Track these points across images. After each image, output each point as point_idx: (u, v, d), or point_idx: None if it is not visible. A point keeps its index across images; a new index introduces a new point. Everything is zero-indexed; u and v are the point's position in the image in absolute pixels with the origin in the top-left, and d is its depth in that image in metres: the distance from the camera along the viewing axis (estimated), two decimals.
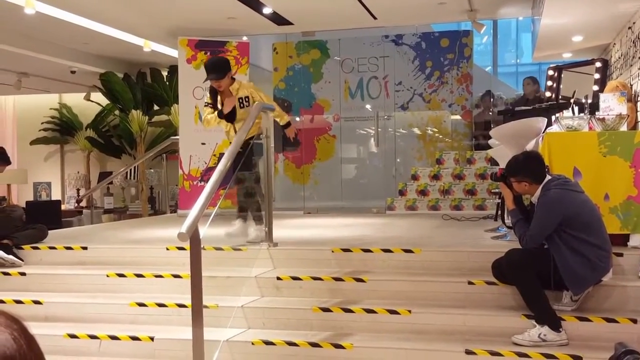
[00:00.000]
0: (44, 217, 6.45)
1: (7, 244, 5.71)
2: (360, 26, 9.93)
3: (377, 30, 10.40)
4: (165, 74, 12.02)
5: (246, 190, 6.12)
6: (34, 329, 1.09)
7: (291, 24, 9.57)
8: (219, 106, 5.93)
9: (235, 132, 5.82)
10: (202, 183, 9.09)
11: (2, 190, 12.57)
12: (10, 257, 5.63)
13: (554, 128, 5.38)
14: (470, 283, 4.66)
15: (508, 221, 5.34)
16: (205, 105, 6.04)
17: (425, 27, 10.96)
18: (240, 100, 5.89)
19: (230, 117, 5.92)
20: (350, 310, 4.57)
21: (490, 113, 10.39)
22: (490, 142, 6.91)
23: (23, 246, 5.85)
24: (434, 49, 10.50)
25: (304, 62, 11.01)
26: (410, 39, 10.58)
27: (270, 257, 5.37)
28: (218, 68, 5.83)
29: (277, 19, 9.26)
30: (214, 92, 5.97)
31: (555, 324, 4.11)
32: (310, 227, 7.42)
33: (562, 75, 8.25)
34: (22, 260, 5.71)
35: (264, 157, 5.75)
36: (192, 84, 9.41)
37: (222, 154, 6.02)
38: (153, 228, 7.75)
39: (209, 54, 9.42)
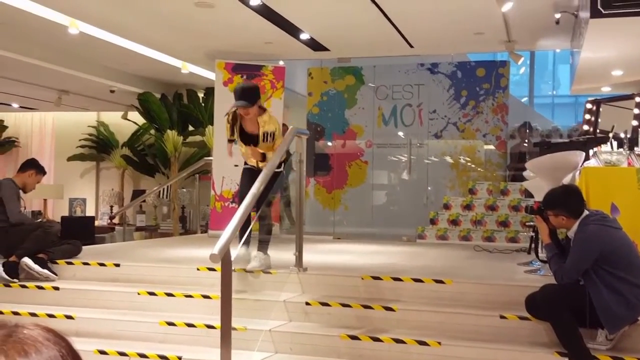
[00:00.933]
0: (78, 232, 6.52)
1: (42, 258, 5.79)
2: (396, 54, 9.96)
3: (413, 58, 10.41)
4: (201, 95, 12.17)
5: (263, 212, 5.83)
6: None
7: (327, 49, 9.64)
8: (236, 133, 5.76)
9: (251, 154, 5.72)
10: (234, 204, 9.14)
11: (39, 205, 12.79)
12: (45, 271, 5.70)
13: (592, 162, 5.32)
14: (502, 317, 4.59)
15: (542, 255, 5.26)
16: (229, 142, 5.90)
17: (461, 56, 10.96)
18: (265, 135, 5.62)
19: (249, 139, 5.71)
20: (379, 339, 4.54)
21: (526, 144, 10.31)
22: (525, 174, 6.85)
23: (57, 261, 5.92)
24: (470, 78, 10.47)
25: (339, 87, 11.06)
26: (446, 67, 10.58)
27: (300, 282, 5.36)
28: (248, 95, 5.53)
29: (314, 44, 9.33)
30: (233, 119, 5.74)
31: None
32: (340, 253, 7.40)
33: (601, 109, 8.17)
34: (56, 275, 5.78)
35: (296, 182, 5.76)
36: (228, 106, 9.44)
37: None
38: (184, 247, 7.79)
39: (245, 77, 9.52)
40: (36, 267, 5.65)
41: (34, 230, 5.95)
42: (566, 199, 4.29)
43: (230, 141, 5.88)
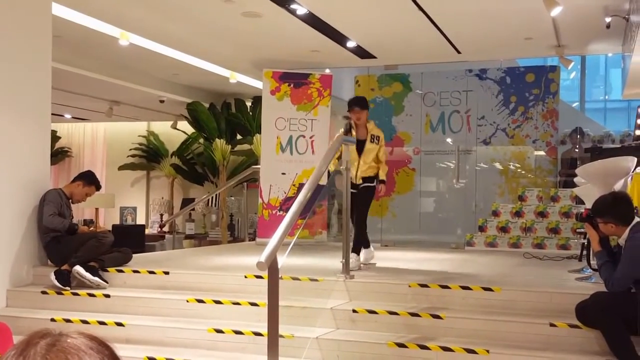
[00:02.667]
0: (128, 240, 6.62)
1: (94, 266, 5.90)
2: (443, 60, 9.91)
3: (461, 65, 10.33)
4: (249, 104, 12.29)
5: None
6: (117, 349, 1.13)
7: (374, 57, 9.64)
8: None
9: (358, 165, 6.55)
10: (281, 212, 9.19)
11: (90, 214, 13.06)
12: (96, 279, 5.81)
13: None
14: (552, 325, 4.51)
15: (594, 263, 5.16)
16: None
17: (510, 61, 10.83)
18: (372, 137, 6.61)
19: (359, 148, 6.53)
20: (426, 347, 4.50)
21: (577, 150, 10.12)
22: (576, 180, 6.73)
23: (108, 269, 6.03)
24: (519, 84, 10.34)
25: (386, 94, 11.03)
26: (495, 73, 10.46)
27: (347, 289, 5.36)
28: (362, 102, 6.73)
29: (361, 52, 9.34)
30: (349, 129, 6.52)
31: None
32: (387, 260, 7.36)
33: None
34: (107, 282, 5.89)
35: (344, 189, 5.78)
36: (275, 114, 9.57)
37: (301, 185, 6.12)
38: (232, 255, 7.86)
39: (292, 85, 9.58)
40: (88, 275, 5.76)
41: (88, 240, 6.06)
42: (614, 207, 4.21)
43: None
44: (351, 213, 6.22)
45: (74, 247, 5.97)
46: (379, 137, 6.68)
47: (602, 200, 4.32)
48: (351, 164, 6.27)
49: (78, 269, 5.76)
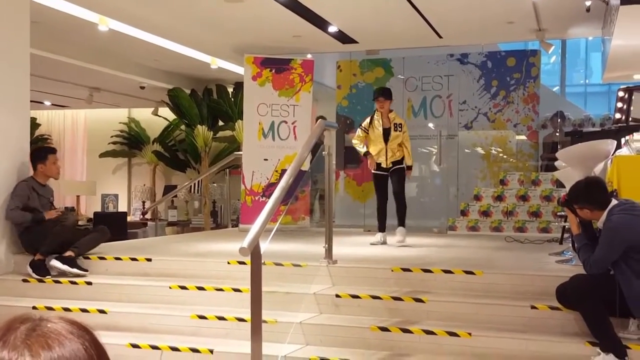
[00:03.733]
0: (110, 228, 6.53)
1: (70, 256, 5.80)
2: (425, 45, 9.92)
3: (442, 49, 10.34)
4: (230, 90, 12.24)
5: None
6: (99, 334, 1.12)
7: (356, 42, 9.62)
8: (375, 129, 7.32)
9: (387, 153, 7.26)
10: (264, 198, 9.18)
11: (72, 201, 12.99)
12: (74, 270, 5.70)
13: (624, 151, 5.25)
14: (533, 307, 4.56)
15: None
16: (359, 127, 7.52)
17: (491, 46, 10.85)
18: (395, 125, 7.31)
19: (385, 137, 7.26)
20: (409, 331, 4.53)
21: (558, 134, 10.19)
22: (556, 163, 6.77)
23: (90, 257, 5.95)
24: (500, 68, 10.37)
25: (368, 80, 11.03)
26: (476, 57, 10.49)
27: (330, 275, 5.37)
28: (387, 92, 7.47)
29: (342, 37, 9.32)
30: (371, 119, 7.39)
31: (620, 353, 3.98)
32: (370, 245, 7.39)
33: (633, 97, 8.03)
34: (86, 270, 5.81)
35: (325, 174, 5.78)
36: (257, 100, 9.53)
37: (284, 170, 6.13)
38: (215, 242, 7.85)
39: (274, 71, 9.54)
40: (64, 268, 5.68)
41: (53, 227, 5.97)
42: (587, 192, 4.25)
43: (366, 154, 7.40)
44: (379, 197, 7.43)
45: (43, 235, 5.87)
46: (401, 124, 7.36)
47: (576, 186, 4.37)
48: (376, 151, 7.28)
49: (54, 263, 5.67)
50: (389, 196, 7.46)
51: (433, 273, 5.18)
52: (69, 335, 1.05)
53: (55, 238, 5.85)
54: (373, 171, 7.45)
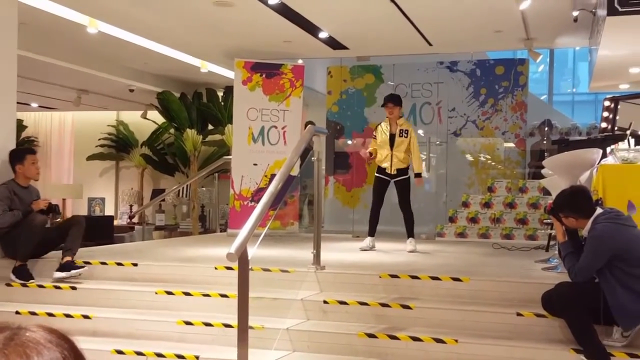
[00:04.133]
0: (97, 232, 6.49)
1: (68, 261, 5.75)
2: (415, 52, 9.94)
3: (432, 57, 10.37)
4: (220, 94, 12.22)
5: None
6: (82, 343, 1.11)
7: (346, 48, 9.63)
8: (382, 135, 7.41)
9: (392, 159, 7.33)
10: (253, 203, 9.17)
11: (58, 204, 12.88)
12: (76, 271, 5.67)
13: (609, 160, 5.28)
14: (519, 314, 4.58)
15: None
16: (373, 138, 7.60)
17: (480, 54, 10.90)
18: (401, 131, 7.36)
19: (391, 142, 7.34)
20: (395, 337, 4.53)
21: (545, 142, 10.24)
22: (543, 171, 6.81)
23: (75, 262, 5.85)
24: (489, 76, 10.42)
25: (358, 86, 11.05)
26: (465, 65, 10.53)
27: (317, 280, 5.37)
28: (396, 98, 7.55)
29: (333, 43, 9.33)
30: (380, 125, 7.52)
31: None
32: (358, 251, 7.39)
33: (619, 107, 8.10)
34: (84, 266, 5.76)
35: (315, 180, 5.78)
36: (247, 105, 9.53)
37: (273, 175, 6.13)
38: (202, 246, 7.83)
39: (264, 76, 9.55)
40: (70, 274, 5.65)
41: (22, 232, 5.82)
42: (572, 201, 4.28)
43: (371, 155, 7.52)
44: (376, 201, 7.54)
45: (17, 241, 5.80)
46: (407, 130, 7.39)
47: (561, 195, 4.40)
48: (382, 156, 7.38)
49: (57, 275, 5.65)
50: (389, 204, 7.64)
51: (420, 279, 5.19)
52: (47, 344, 1.04)
53: (27, 243, 5.77)
54: (376, 174, 7.55)
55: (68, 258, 5.79)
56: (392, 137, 7.37)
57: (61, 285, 5.63)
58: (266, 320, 4.75)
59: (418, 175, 7.44)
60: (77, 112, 13.86)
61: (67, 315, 5.20)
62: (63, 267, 5.71)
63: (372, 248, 7.44)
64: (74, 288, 5.60)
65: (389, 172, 7.40)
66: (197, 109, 12.09)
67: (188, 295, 5.30)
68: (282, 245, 7.71)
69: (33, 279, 5.70)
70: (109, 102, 12.74)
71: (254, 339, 4.19)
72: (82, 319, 5.16)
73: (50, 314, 5.24)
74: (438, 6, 7.60)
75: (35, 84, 10.94)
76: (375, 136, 7.55)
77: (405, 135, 7.38)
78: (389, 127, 7.42)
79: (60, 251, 6.21)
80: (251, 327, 4.13)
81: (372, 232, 7.57)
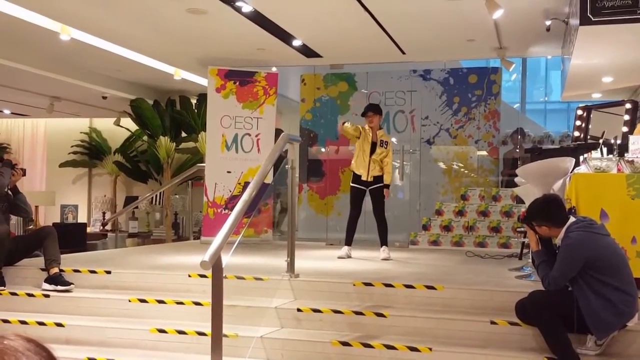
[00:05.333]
0: (69, 239, 6.43)
1: (56, 274, 5.69)
2: (388, 61, 9.99)
3: (405, 65, 10.44)
4: (194, 101, 12.18)
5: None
6: (56, 351, 1.11)
7: (320, 56, 9.66)
8: (364, 140, 7.44)
9: (369, 166, 7.38)
10: (227, 211, 9.14)
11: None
12: (66, 287, 5.59)
13: (582, 169, 5.34)
14: (492, 323, 4.61)
15: None
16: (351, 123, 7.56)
17: (453, 62, 11.00)
18: (382, 142, 7.48)
19: (372, 150, 7.43)
20: (370, 346, 4.54)
21: (518, 150, 10.35)
22: (516, 180, 6.87)
23: (49, 269, 5.81)
24: (462, 85, 10.51)
25: (331, 94, 11.08)
26: (438, 74, 10.62)
27: (292, 288, 5.36)
28: (376, 107, 7.65)
29: (307, 51, 9.35)
30: (365, 130, 7.50)
31: None
32: (332, 259, 7.40)
33: (591, 115, 8.21)
34: (73, 284, 5.68)
35: (289, 188, 5.78)
36: (220, 112, 9.51)
37: (247, 183, 6.11)
38: (176, 254, 7.78)
39: (238, 83, 9.54)
40: (60, 288, 5.58)
41: None
42: (545, 210, 4.32)
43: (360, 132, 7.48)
44: (353, 210, 7.55)
45: None
46: (387, 142, 7.54)
47: (533, 204, 4.44)
48: (359, 163, 7.46)
49: (46, 287, 5.59)
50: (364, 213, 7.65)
51: (395, 287, 5.20)
52: (26, 352, 1.04)
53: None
54: (351, 184, 7.59)
55: (55, 270, 5.75)
56: (373, 146, 7.46)
57: (34, 292, 5.56)
58: (240, 328, 4.73)
59: (387, 187, 7.52)
60: (50, 119, 13.72)
61: (40, 323, 5.15)
62: (52, 280, 5.66)
63: (348, 257, 7.47)
64: (47, 296, 5.54)
65: (365, 179, 7.45)
66: (171, 117, 12.04)
67: (161, 303, 5.27)
68: (256, 253, 7.69)
69: (4, 286, 5.63)
70: (82, 109, 12.63)
71: (228, 347, 4.17)
72: (55, 326, 5.11)
73: (23, 322, 5.18)
74: (411, 15, 7.65)
75: (8, 90, 10.82)
76: (363, 127, 7.52)
77: (385, 146, 7.51)
78: (370, 136, 7.50)
79: (33, 258, 6.18)
80: (225, 335, 4.11)
81: (349, 242, 7.61)
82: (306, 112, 11.18)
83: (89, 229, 12.27)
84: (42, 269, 5.84)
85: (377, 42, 8.74)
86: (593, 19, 5.56)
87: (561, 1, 6.73)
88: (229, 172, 9.48)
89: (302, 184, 11.02)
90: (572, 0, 6.38)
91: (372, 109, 7.58)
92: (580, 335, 4.24)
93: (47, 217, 13.34)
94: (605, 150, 5.34)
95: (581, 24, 5.67)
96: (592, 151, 5.67)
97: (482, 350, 4.45)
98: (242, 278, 5.47)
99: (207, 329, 4.20)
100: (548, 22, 7.32)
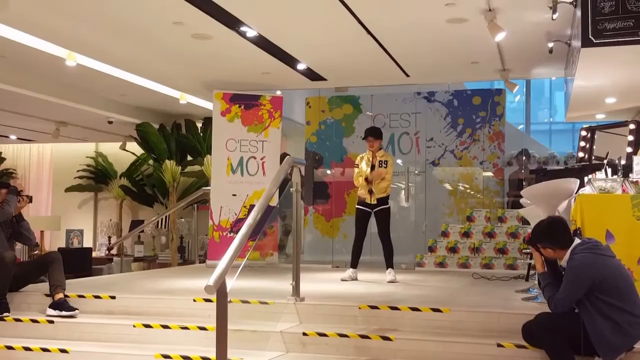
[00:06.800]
0: (75, 264, 6.43)
1: (60, 299, 5.69)
2: (393, 83, 10.03)
3: (410, 87, 10.48)
4: (199, 125, 12.23)
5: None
6: None
7: (325, 79, 9.70)
8: (365, 166, 7.59)
9: (372, 191, 7.50)
10: (232, 234, 9.13)
11: (35, 237, 12.74)
12: (70, 312, 5.58)
13: (587, 189, 5.33)
14: (499, 345, 4.57)
15: None
16: (356, 166, 7.75)
17: (457, 84, 11.03)
18: (381, 162, 7.55)
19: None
20: None
21: (523, 171, 10.33)
22: (522, 201, 6.85)
23: (54, 295, 5.82)
24: (466, 107, 10.54)
25: (336, 116, 11.12)
26: (443, 96, 10.65)
27: (297, 312, 5.34)
28: (378, 132, 7.72)
29: (311, 74, 9.39)
30: (363, 157, 7.68)
31: None
32: (338, 282, 7.37)
33: (596, 136, 8.20)
34: (77, 309, 5.69)
35: (294, 211, 5.78)
36: (226, 136, 9.54)
37: (252, 206, 6.12)
38: (181, 278, 7.77)
39: (243, 107, 9.59)
40: (64, 313, 5.58)
41: None
42: (549, 232, 4.31)
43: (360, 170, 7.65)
44: (358, 233, 7.61)
45: None
46: (387, 161, 7.61)
47: (538, 226, 4.42)
48: (363, 187, 7.54)
49: (50, 313, 5.58)
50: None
51: (400, 310, 5.18)
52: None
53: (2, 281, 5.74)
54: (357, 206, 7.66)
55: (60, 295, 5.74)
56: (372, 168, 7.55)
57: (38, 318, 5.55)
58: (245, 352, 4.70)
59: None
60: (55, 144, 13.78)
61: (45, 350, 5.12)
62: (56, 305, 5.65)
63: (354, 279, 7.47)
64: (51, 322, 5.53)
65: (369, 202, 7.52)
66: (176, 140, 12.08)
67: (166, 328, 5.25)
68: (261, 277, 7.68)
69: (9, 312, 5.63)
70: (88, 133, 12.69)
71: None
72: (60, 352, 5.08)
73: (27, 348, 5.16)
74: (415, 39, 7.68)
75: (14, 116, 10.88)
76: (357, 165, 7.72)
77: (385, 165, 7.58)
78: (370, 160, 7.61)
79: (38, 284, 6.17)
80: None
81: (354, 264, 7.63)
82: (311, 134, 11.22)
83: (94, 254, 12.27)
84: (47, 295, 5.84)
85: (382, 65, 8.78)
86: (595, 41, 5.58)
87: (563, 23, 6.75)
88: (234, 195, 9.49)
89: (308, 206, 11.01)
90: (574, 22, 6.40)
91: (372, 134, 7.67)
92: (587, 357, 4.20)
93: (53, 241, 13.35)
94: (609, 171, 5.33)
95: (583, 45, 5.68)
96: (597, 172, 5.66)
97: None
98: (247, 302, 5.45)
99: (212, 354, 4.18)
100: (550, 44, 7.35)
